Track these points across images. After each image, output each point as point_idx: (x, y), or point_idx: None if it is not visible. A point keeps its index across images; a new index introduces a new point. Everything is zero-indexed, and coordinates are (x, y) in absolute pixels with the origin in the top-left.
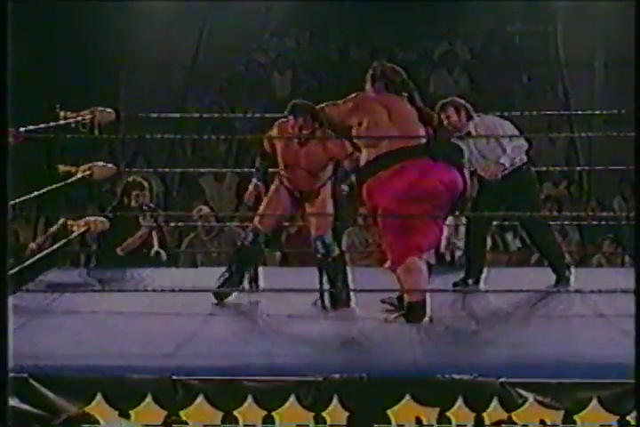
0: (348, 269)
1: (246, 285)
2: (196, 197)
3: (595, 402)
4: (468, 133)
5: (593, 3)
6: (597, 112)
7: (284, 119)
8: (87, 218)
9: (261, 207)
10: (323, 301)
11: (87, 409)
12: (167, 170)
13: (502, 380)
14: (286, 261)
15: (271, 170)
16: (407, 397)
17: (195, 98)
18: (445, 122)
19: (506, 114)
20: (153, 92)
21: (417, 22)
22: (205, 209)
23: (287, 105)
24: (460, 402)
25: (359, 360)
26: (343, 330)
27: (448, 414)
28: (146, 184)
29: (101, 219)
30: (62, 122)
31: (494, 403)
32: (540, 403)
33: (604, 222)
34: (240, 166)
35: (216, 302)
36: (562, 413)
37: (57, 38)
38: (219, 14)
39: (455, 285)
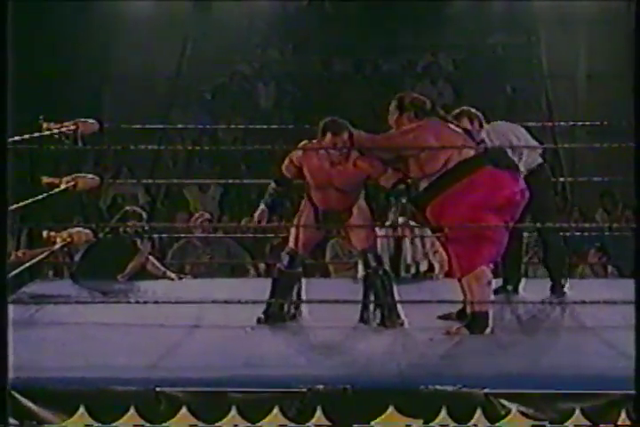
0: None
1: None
2: (180, 208)
3: (578, 413)
4: (482, 142)
5: (575, 14)
6: (579, 123)
7: (309, 140)
8: (70, 229)
9: (292, 229)
10: (366, 317)
11: (70, 422)
12: (151, 181)
13: (486, 391)
14: (269, 272)
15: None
16: (391, 408)
17: (179, 109)
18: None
19: None
20: (136, 104)
21: (400, 34)
22: (206, 215)
23: (321, 123)
24: (443, 413)
25: (343, 371)
26: (327, 341)
27: (432, 425)
28: (144, 215)
29: (85, 230)
30: (46, 133)
31: (478, 414)
32: (524, 414)
33: (586, 234)
34: (224, 177)
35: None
36: (545, 424)
37: (40, 50)
38: (202, 26)
39: (495, 292)
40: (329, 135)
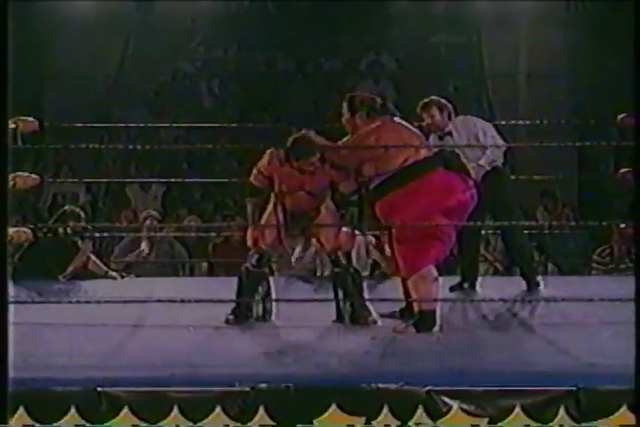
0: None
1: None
2: (122, 207)
3: (518, 410)
4: (450, 133)
5: (516, 14)
6: (520, 122)
7: (275, 149)
8: (10, 228)
9: (255, 229)
10: (341, 316)
11: (10, 423)
12: (93, 180)
13: (428, 388)
14: (212, 271)
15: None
16: (333, 406)
17: (120, 108)
18: (428, 121)
19: None
20: (78, 103)
21: (343, 33)
22: (153, 213)
23: (293, 140)
24: (385, 411)
25: (285, 370)
26: (269, 340)
27: (374, 423)
28: (82, 215)
29: (25, 229)
30: None
31: (420, 411)
32: (465, 411)
33: (526, 231)
34: (165, 176)
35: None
36: (486, 420)
37: None
38: (145, 24)
39: (452, 289)
40: (302, 159)
